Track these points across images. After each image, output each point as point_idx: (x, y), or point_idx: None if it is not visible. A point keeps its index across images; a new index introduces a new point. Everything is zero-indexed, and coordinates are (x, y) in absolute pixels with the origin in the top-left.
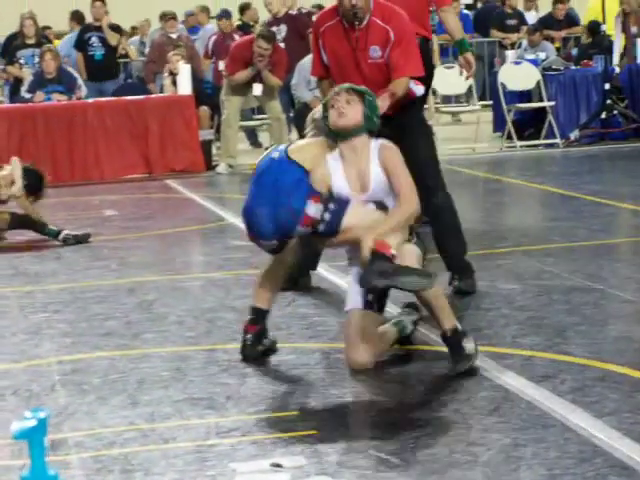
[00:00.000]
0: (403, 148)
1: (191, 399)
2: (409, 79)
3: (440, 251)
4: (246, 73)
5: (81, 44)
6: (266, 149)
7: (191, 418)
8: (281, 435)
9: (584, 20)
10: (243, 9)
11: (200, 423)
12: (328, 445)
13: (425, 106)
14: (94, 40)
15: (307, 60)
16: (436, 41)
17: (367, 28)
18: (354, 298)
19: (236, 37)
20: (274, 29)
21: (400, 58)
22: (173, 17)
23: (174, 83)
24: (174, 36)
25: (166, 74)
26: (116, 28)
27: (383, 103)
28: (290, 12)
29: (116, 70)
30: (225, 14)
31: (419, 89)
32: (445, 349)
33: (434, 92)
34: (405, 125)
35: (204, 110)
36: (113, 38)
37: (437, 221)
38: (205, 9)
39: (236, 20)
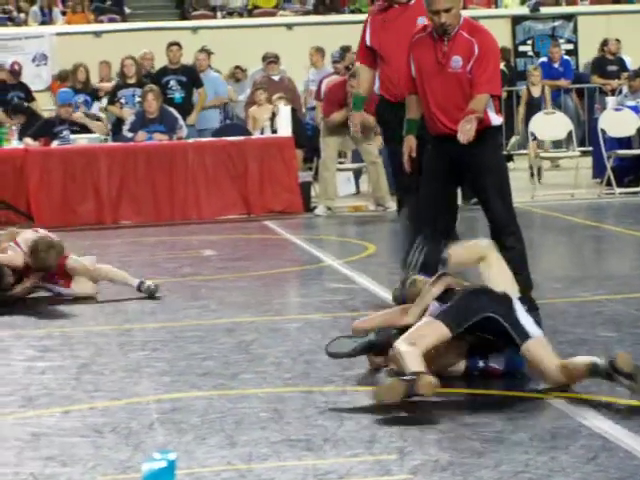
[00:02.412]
0: (472, 180)
1: (288, 440)
2: (489, 97)
3: None
4: (341, 114)
5: (159, 87)
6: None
7: (288, 460)
8: (378, 479)
9: None
10: (344, 51)
11: (297, 465)
12: None
13: (525, 151)
14: (173, 83)
15: None
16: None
17: (454, 40)
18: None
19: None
20: None
21: (483, 74)
22: (274, 60)
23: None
24: (276, 78)
25: (266, 115)
26: (190, 71)
27: (470, 125)
28: None
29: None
30: (342, 56)
31: (497, 118)
32: (546, 395)
33: (534, 138)
34: (478, 158)
35: (297, 152)
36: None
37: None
38: (320, 49)
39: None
